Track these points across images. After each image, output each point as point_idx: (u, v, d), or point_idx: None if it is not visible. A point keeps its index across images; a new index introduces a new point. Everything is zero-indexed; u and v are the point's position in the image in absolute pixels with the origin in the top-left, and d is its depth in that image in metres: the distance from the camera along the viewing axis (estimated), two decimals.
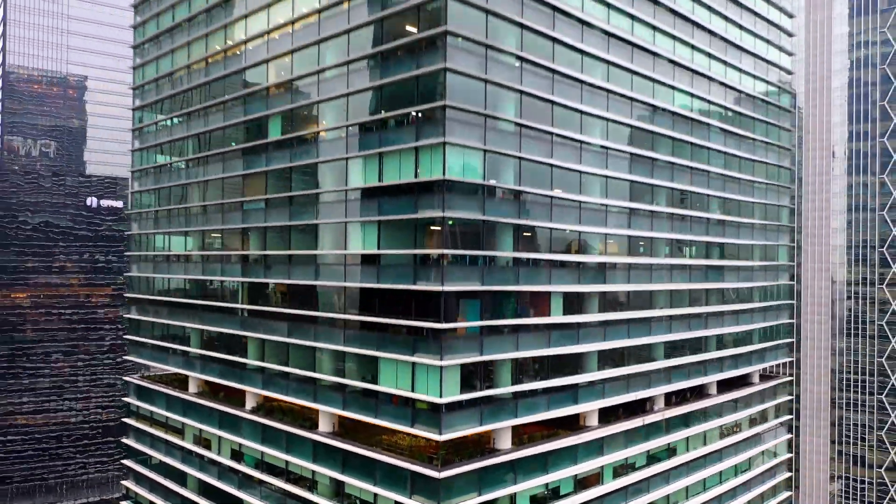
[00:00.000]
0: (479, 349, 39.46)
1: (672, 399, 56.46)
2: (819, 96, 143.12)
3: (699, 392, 59.61)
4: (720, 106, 59.53)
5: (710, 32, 57.76)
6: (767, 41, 65.45)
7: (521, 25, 41.25)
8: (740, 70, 61.89)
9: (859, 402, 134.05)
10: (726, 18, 59.64)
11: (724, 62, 59.62)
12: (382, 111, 41.47)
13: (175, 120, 61.24)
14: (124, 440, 68.61)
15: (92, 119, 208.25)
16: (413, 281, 38.84)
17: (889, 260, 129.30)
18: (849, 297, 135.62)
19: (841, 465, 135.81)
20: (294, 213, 47.39)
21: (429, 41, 38.18)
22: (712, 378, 59.31)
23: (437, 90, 37.57)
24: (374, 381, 41.59)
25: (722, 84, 59.49)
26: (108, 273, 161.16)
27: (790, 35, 69.57)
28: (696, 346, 57.69)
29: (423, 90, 38.89)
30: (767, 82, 66.01)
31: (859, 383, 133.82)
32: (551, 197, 43.66)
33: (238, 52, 53.29)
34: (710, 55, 57.69)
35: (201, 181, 56.87)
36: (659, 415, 52.96)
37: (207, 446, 56.24)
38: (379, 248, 41.03)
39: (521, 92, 41.40)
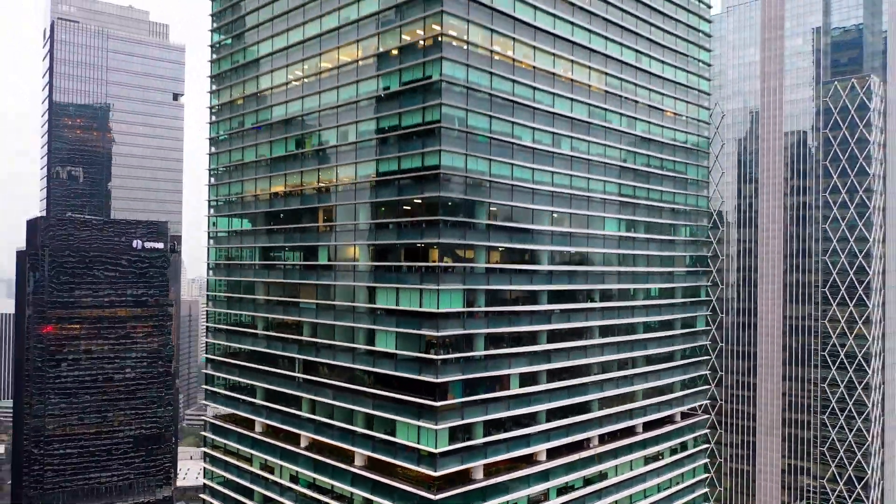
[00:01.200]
0: (461, 416, 61.30)
1: (605, 437, 78.03)
2: (771, 155, 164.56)
3: (629, 429, 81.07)
4: (646, 221, 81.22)
5: (634, 170, 79.49)
6: (685, 162, 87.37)
7: (489, 203, 63.10)
8: (662, 190, 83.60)
9: (805, 422, 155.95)
10: (650, 156, 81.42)
11: (648, 189, 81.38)
12: (397, 244, 63.48)
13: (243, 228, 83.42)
14: (205, 465, 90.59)
15: (120, 158, 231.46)
16: (419, 373, 60.70)
17: (830, 298, 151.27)
18: (796, 331, 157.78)
19: (790, 477, 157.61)
20: (338, 315, 69.30)
21: (428, 222, 59.98)
22: (638, 421, 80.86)
23: (434, 253, 59.42)
24: (393, 434, 63.51)
25: (648, 207, 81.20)
26: (150, 305, 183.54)
27: (707, 169, 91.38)
28: (625, 397, 79.26)
29: (426, 248, 60.85)
30: (687, 194, 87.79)
31: (805, 405, 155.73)
32: (511, 311, 65.57)
33: (294, 195, 75.19)
34: (634, 187, 79.48)
35: (267, 281, 78.83)
36: (593, 451, 74.68)
37: (271, 472, 78.21)
38: (396, 349, 62.93)
39: (489, 246, 63.27)
